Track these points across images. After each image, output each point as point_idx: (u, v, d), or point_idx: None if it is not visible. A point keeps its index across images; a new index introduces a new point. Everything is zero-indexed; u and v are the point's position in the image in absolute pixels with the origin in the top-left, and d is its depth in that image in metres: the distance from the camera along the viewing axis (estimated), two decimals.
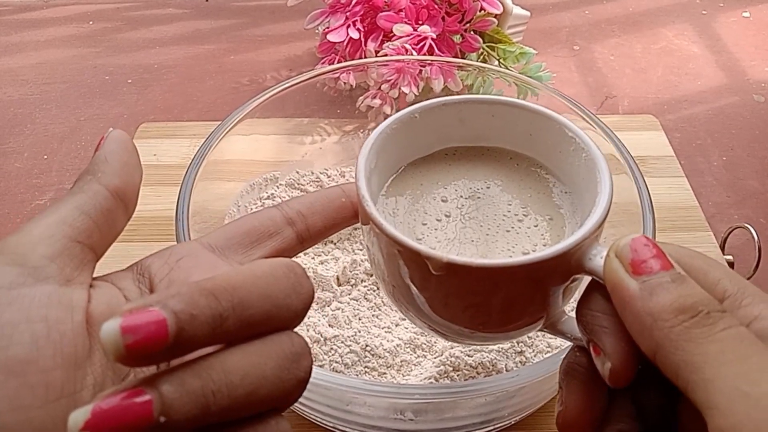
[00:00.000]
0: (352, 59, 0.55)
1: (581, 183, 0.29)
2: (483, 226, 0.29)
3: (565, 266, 0.24)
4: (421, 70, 0.50)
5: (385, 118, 0.50)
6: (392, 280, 0.27)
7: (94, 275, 0.25)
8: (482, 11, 0.56)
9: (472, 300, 0.25)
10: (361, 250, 0.43)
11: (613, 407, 0.23)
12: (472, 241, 0.28)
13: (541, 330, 0.27)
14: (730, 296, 0.21)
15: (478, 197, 0.30)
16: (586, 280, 0.25)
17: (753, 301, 0.21)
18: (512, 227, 0.29)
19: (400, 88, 0.49)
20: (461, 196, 0.30)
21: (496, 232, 0.28)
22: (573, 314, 0.25)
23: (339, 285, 0.41)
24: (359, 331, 0.38)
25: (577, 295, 0.25)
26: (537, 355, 0.36)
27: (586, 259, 0.24)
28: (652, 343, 0.20)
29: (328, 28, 0.56)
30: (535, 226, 0.29)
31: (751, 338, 0.20)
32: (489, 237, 0.28)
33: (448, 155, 0.32)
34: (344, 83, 0.49)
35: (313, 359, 0.36)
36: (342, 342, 0.37)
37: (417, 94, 0.49)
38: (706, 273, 0.22)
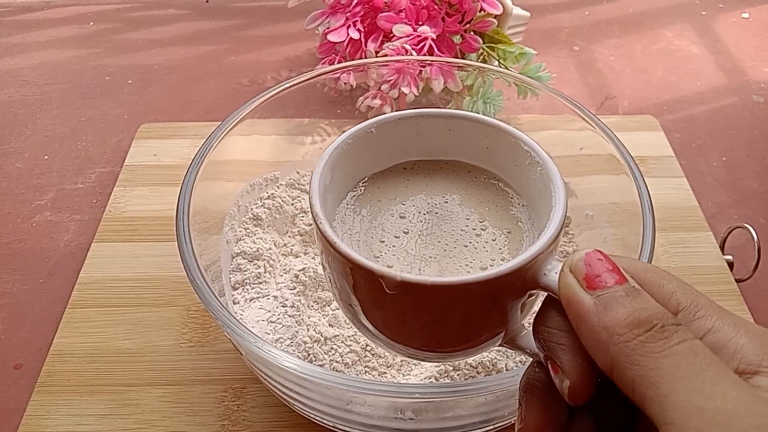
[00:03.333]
0: (352, 60, 0.55)
1: (537, 197, 0.29)
2: (441, 242, 0.29)
3: (520, 282, 0.24)
4: (421, 71, 0.50)
5: None
6: (347, 298, 0.27)
7: None
8: (482, 12, 0.56)
9: (429, 318, 0.25)
10: None
11: (574, 423, 0.23)
12: (431, 257, 0.28)
13: (500, 346, 0.27)
14: (683, 309, 0.21)
15: (436, 212, 0.30)
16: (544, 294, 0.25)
17: (706, 313, 0.21)
18: (470, 242, 0.29)
19: (400, 89, 0.49)
20: (419, 212, 0.30)
21: (454, 247, 0.28)
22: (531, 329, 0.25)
23: None
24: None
25: (536, 309, 0.25)
26: None
27: (541, 274, 0.24)
28: (608, 359, 0.20)
29: (328, 28, 0.56)
30: (494, 240, 0.29)
31: (706, 352, 0.20)
32: (447, 252, 0.28)
33: (406, 169, 0.32)
34: (344, 83, 0.49)
35: (314, 359, 0.36)
36: (342, 341, 0.37)
37: (417, 94, 0.49)
38: (660, 286, 0.22)
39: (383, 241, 0.29)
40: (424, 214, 0.30)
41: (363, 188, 0.31)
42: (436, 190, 0.31)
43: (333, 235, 0.26)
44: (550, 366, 0.22)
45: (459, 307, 0.25)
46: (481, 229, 0.29)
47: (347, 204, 0.30)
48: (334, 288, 0.28)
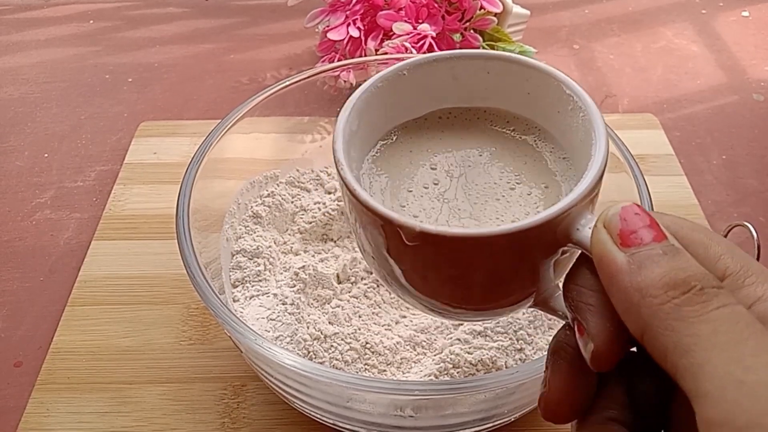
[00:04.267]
0: (352, 57, 0.55)
1: (579, 146, 0.26)
2: (472, 195, 0.27)
3: (550, 237, 0.22)
4: None
5: None
6: (370, 250, 0.25)
7: None
8: (482, 10, 0.56)
9: (451, 273, 0.24)
10: None
11: (603, 393, 0.21)
12: (460, 209, 0.26)
13: (531, 307, 0.25)
14: (731, 274, 0.19)
15: (470, 165, 0.28)
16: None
17: (757, 280, 0.19)
18: (503, 196, 0.27)
19: None
20: (452, 164, 0.28)
21: (486, 200, 0.26)
22: None
23: (339, 283, 0.41)
24: (359, 329, 0.38)
25: None
26: (537, 353, 0.36)
27: (574, 229, 0.22)
28: (640, 323, 0.19)
29: (328, 26, 0.56)
30: (528, 194, 0.27)
31: (750, 319, 0.18)
32: (477, 206, 0.26)
33: (441, 118, 0.30)
34: (344, 81, 0.49)
35: (313, 356, 0.36)
36: (342, 339, 0.37)
37: None
38: (706, 247, 0.20)
39: (410, 191, 0.27)
40: (456, 166, 0.28)
41: (395, 137, 0.29)
42: (471, 141, 0.29)
43: (353, 182, 0.24)
44: (576, 328, 0.21)
45: (483, 262, 0.23)
46: (516, 183, 0.27)
47: (376, 153, 0.29)
48: (358, 239, 0.27)
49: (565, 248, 0.23)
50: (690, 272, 0.19)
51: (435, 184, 0.27)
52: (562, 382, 0.21)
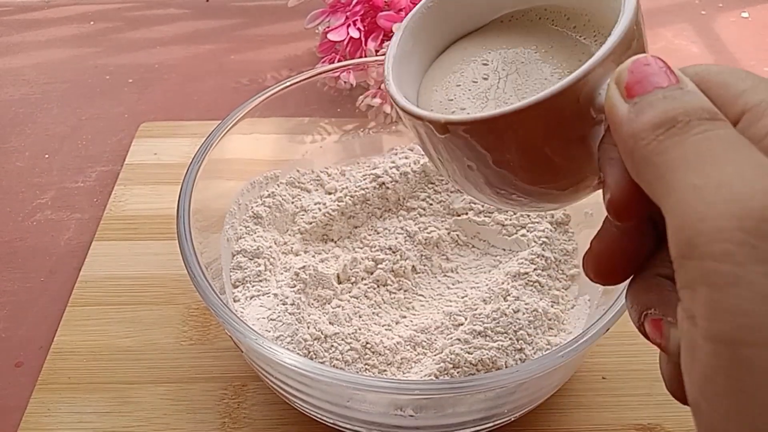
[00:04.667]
0: (353, 58, 0.55)
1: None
2: (521, 89, 0.26)
3: (573, 105, 0.22)
4: None
5: (385, 117, 0.50)
6: (426, 153, 0.26)
7: None
8: None
9: (493, 158, 0.23)
10: (361, 248, 0.44)
11: (657, 253, 0.21)
12: (506, 102, 0.26)
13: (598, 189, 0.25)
14: (750, 109, 0.18)
15: (523, 61, 0.28)
16: None
17: None
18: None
19: None
20: (505, 60, 0.28)
21: (534, 93, 0.25)
22: None
23: (339, 283, 0.41)
24: (359, 329, 0.38)
25: None
26: (537, 353, 0.36)
27: (596, 94, 0.22)
28: (634, 169, 0.18)
29: (328, 27, 0.56)
30: None
31: (731, 139, 0.17)
32: (524, 99, 0.25)
33: (503, 22, 0.30)
34: (344, 82, 0.49)
35: (314, 356, 0.36)
36: (342, 339, 0.37)
37: None
38: (728, 86, 0.19)
39: (459, 85, 0.27)
40: (509, 62, 0.28)
41: (452, 47, 0.29)
42: (529, 39, 0.29)
43: (393, 86, 0.25)
44: (603, 183, 0.21)
45: (514, 142, 0.23)
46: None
47: (435, 64, 0.29)
48: (421, 148, 0.27)
49: (601, 117, 0.22)
50: (681, 109, 0.18)
51: (484, 78, 0.27)
52: (610, 240, 0.21)
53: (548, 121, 0.22)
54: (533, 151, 0.23)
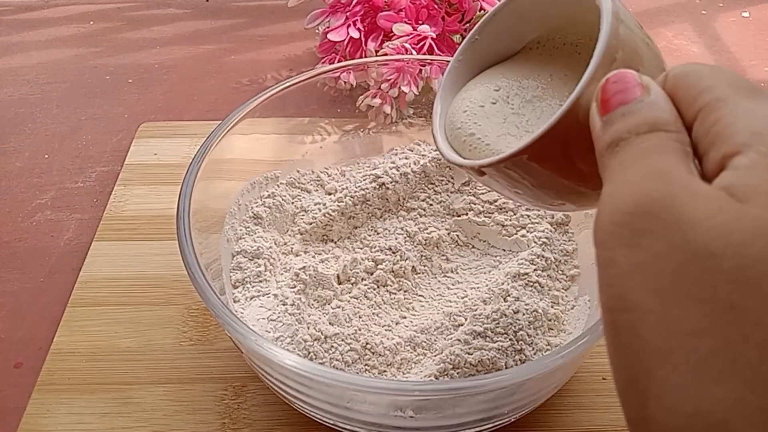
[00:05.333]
0: (353, 59, 0.55)
1: None
2: (525, 116, 0.29)
3: (577, 126, 0.23)
4: (421, 70, 0.50)
5: (385, 118, 0.50)
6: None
7: None
8: (482, 11, 0.57)
9: (530, 182, 0.26)
10: (361, 248, 0.44)
11: None
12: (509, 134, 0.29)
13: None
14: (703, 108, 0.19)
15: (538, 86, 0.29)
16: None
17: (723, 105, 0.19)
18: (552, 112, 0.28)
19: (400, 88, 0.49)
20: (517, 84, 0.29)
21: (538, 118, 0.28)
22: None
23: (339, 283, 0.41)
24: (359, 329, 0.38)
25: None
26: (537, 353, 0.36)
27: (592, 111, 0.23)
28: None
29: (328, 27, 0.56)
30: None
31: (651, 151, 0.19)
32: (526, 127, 0.28)
33: (532, 49, 0.31)
34: (344, 83, 0.49)
35: (314, 357, 0.36)
36: (342, 340, 0.37)
37: (417, 93, 0.49)
38: (691, 87, 0.20)
39: (465, 111, 0.29)
40: (519, 88, 0.29)
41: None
42: (546, 66, 0.30)
43: (440, 139, 0.29)
44: None
45: (537, 171, 0.25)
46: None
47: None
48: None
49: None
50: (628, 126, 0.20)
51: (492, 103, 0.29)
52: None
53: (561, 144, 0.24)
54: (559, 169, 0.25)
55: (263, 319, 0.38)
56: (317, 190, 0.47)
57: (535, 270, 0.40)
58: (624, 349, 0.17)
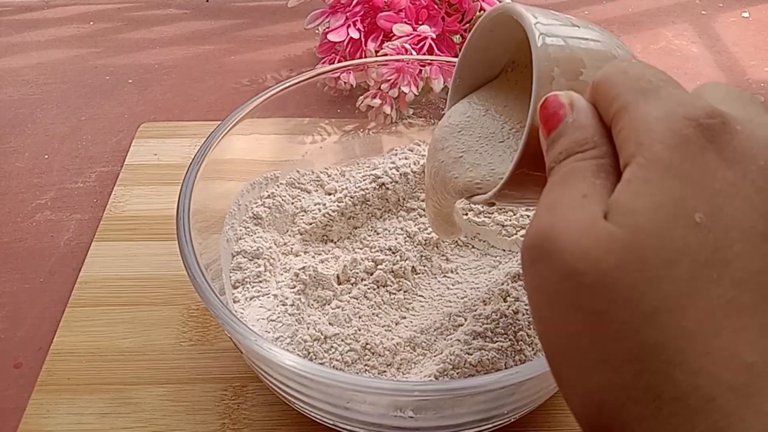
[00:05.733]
0: (352, 59, 0.55)
1: None
2: (479, 140, 0.32)
3: (539, 159, 0.25)
4: (421, 70, 0.50)
5: (385, 118, 0.50)
6: None
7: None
8: (482, 11, 0.57)
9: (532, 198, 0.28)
10: (361, 248, 0.44)
11: None
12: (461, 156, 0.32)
13: None
14: (615, 115, 0.21)
15: (500, 112, 0.32)
16: None
17: (626, 111, 0.20)
18: (505, 139, 0.32)
19: (400, 88, 0.49)
20: (482, 108, 0.32)
21: (484, 145, 0.32)
22: None
23: (339, 284, 0.41)
24: (359, 330, 0.38)
25: None
26: (536, 354, 0.36)
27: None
28: None
29: (328, 28, 0.56)
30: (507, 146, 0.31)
31: (561, 180, 0.21)
32: (479, 151, 0.32)
33: (508, 71, 0.34)
34: (344, 83, 0.49)
35: (314, 357, 0.36)
36: (342, 340, 0.37)
37: (417, 93, 0.49)
38: (605, 96, 0.22)
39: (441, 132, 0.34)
40: (483, 114, 0.33)
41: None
42: (514, 88, 0.32)
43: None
44: None
45: (533, 187, 0.27)
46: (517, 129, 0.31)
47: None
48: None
49: None
50: (554, 154, 0.22)
51: (459, 132, 0.33)
52: None
53: (535, 167, 0.26)
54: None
55: (263, 319, 0.38)
56: (317, 191, 0.47)
57: None
58: (544, 353, 0.21)
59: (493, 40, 0.32)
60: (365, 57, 0.55)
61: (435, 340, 0.38)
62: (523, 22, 0.27)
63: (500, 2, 0.54)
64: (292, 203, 0.45)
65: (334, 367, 0.36)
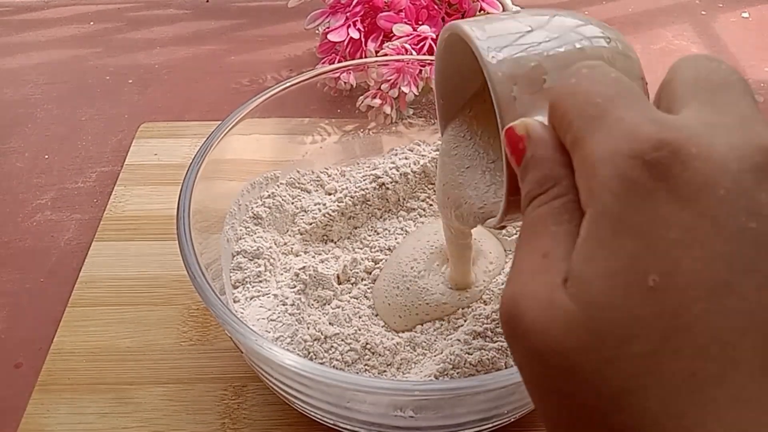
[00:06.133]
0: (352, 59, 0.55)
1: None
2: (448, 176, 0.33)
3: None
4: (420, 70, 0.50)
5: (385, 118, 0.51)
6: None
7: None
8: (482, 11, 0.57)
9: None
10: (361, 248, 0.44)
11: None
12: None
13: None
14: (570, 150, 0.20)
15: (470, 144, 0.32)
16: None
17: (578, 133, 0.19)
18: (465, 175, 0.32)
19: (400, 88, 0.49)
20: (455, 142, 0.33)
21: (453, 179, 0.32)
22: None
23: (339, 283, 0.41)
24: (359, 330, 0.38)
25: None
26: None
27: None
28: None
29: (328, 28, 0.56)
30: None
31: (524, 236, 0.20)
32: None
33: (477, 95, 0.33)
34: (344, 83, 0.49)
35: (314, 357, 0.36)
36: (342, 340, 0.37)
37: (417, 93, 0.49)
38: (558, 124, 0.20)
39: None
40: (470, 139, 0.33)
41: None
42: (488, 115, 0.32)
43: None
44: None
45: None
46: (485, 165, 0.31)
47: None
48: None
49: None
50: (524, 194, 0.21)
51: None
52: None
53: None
54: None
55: (263, 319, 0.38)
56: (317, 191, 0.47)
57: None
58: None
59: (457, 60, 0.31)
60: (365, 57, 0.55)
61: (435, 340, 0.38)
62: (470, 41, 0.25)
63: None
64: (293, 203, 0.45)
65: (334, 366, 0.36)
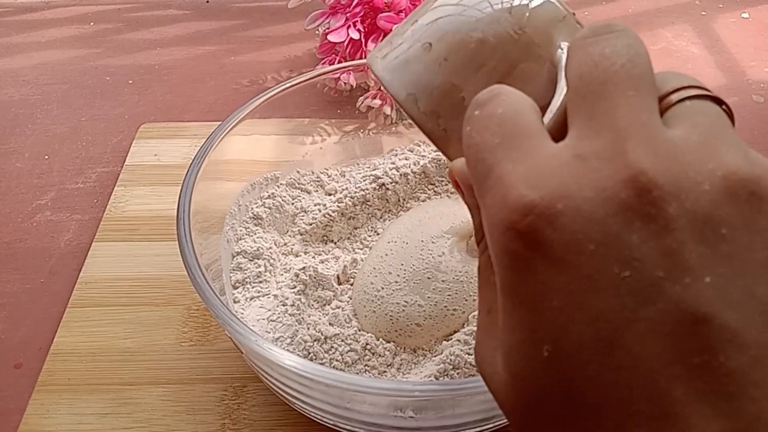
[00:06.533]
0: (353, 60, 0.55)
1: None
2: None
3: None
4: None
5: (385, 119, 0.51)
6: None
7: None
8: None
9: None
10: (361, 249, 0.44)
11: None
12: None
13: None
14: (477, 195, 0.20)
15: None
16: None
17: (480, 197, 0.19)
18: None
19: None
20: None
21: None
22: None
23: (339, 284, 0.41)
24: (359, 330, 0.38)
25: None
26: None
27: None
28: None
29: (328, 28, 0.56)
30: None
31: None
32: None
33: None
34: (344, 84, 0.49)
35: (314, 357, 0.36)
36: (342, 340, 0.37)
37: None
38: (469, 165, 0.19)
39: None
40: None
41: None
42: None
43: None
44: None
45: None
46: None
47: None
48: None
49: None
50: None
51: None
52: None
53: None
54: None
55: (263, 319, 0.38)
56: (317, 191, 0.47)
57: None
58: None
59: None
60: (365, 58, 0.55)
61: (435, 340, 0.38)
62: (380, 81, 0.24)
63: None
64: (293, 204, 0.45)
65: (334, 367, 0.36)
